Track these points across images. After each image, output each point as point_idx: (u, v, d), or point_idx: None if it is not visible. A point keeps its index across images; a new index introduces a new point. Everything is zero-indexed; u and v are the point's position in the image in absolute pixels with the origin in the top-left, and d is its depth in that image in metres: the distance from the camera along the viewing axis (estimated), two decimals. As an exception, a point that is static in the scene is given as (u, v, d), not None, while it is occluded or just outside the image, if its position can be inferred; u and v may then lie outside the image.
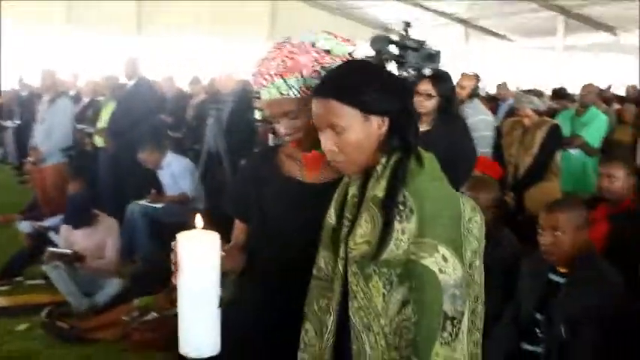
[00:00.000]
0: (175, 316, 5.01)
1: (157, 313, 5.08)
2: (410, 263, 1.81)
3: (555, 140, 5.42)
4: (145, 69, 8.19)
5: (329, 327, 1.96)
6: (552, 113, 6.48)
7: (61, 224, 6.45)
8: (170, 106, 10.53)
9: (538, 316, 3.31)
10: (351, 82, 1.86)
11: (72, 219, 6.14)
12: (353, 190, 1.97)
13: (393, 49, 4.96)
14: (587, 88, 6.89)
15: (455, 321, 1.81)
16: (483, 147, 5.57)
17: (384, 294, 1.84)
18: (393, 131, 1.90)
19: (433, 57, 5.20)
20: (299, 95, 2.10)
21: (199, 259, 1.89)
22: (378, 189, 1.86)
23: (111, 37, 17.51)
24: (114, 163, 7.87)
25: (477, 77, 6.55)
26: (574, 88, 12.00)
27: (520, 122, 5.57)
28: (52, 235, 6.58)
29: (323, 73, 2.10)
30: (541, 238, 3.33)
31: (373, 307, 1.85)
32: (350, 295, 1.89)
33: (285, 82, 2.09)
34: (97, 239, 6.12)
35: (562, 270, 3.32)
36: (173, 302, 5.07)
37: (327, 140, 1.90)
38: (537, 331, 3.28)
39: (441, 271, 1.79)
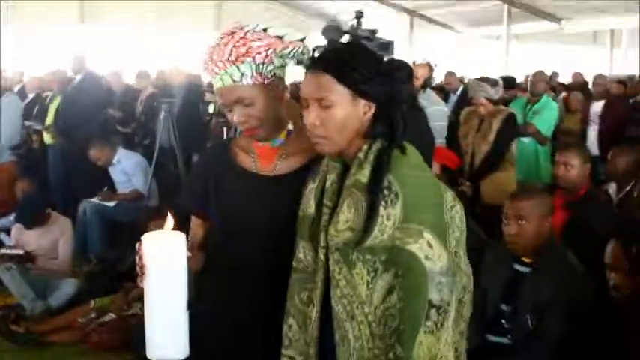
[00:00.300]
0: (133, 316, 4.95)
1: (114, 314, 4.99)
2: (395, 249, 1.80)
3: (511, 129, 5.45)
4: (91, 63, 8.05)
5: (312, 318, 1.94)
6: (503, 102, 6.48)
7: (11, 225, 6.31)
8: (118, 100, 10.35)
9: (503, 306, 3.32)
10: (347, 61, 1.86)
11: (25, 219, 5.99)
12: (332, 178, 1.95)
13: (345, 39, 4.97)
14: (538, 76, 6.92)
15: (440, 310, 1.80)
16: (438, 137, 5.60)
17: (368, 281, 1.83)
18: (378, 119, 1.90)
19: (386, 47, 5.22)
20: (252, 82, 2.08)
21: (166, 261, 1.85)
22: (361, 175, 1.86)
23: (54, 29, 17.15)
24: (64, 161, 7.73)
25: (430, 66, 6.55)
26: (520, 77, 12.18)
27: (476, 112, 5.59)
28: (2, 236, 6.42)
29: (275, 58, 2.11)
30: (505, 228, 3.35)
31: (357, 295, 1.84)
32: (332, 283, 1.88)
33: (238, 68, 2.06)
34: (50, 239, 6.00)
35: (526, 259, 3.34)
36: (130, 303, 5.04)
37: (311, 113, 1.88)
38: (503, 321, 3.29)
39: (426, 257, 1.79)
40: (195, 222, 2.36)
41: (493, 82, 5.49)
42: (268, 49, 2.10)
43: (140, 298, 4.97)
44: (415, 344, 1.77)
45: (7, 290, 5.63)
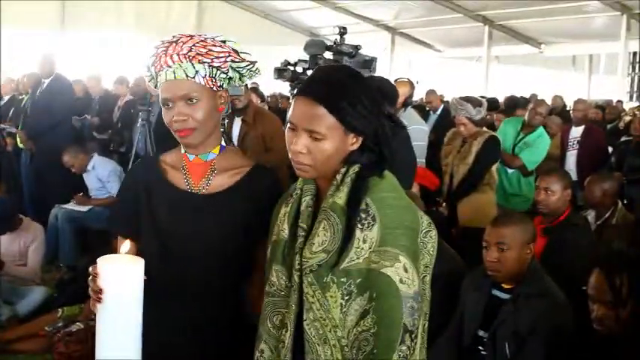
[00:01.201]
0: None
1: (82, 324, 4.88)
2: (371, 272, 1.78)
3: (491, 152, 5.41)
4: (67, 68, 7.94)
5: (285, 343, 1.89)
6: (485, 124, 6.36)
7: (-19, 229, 6.17)
8: (96, 106, 10.25)
9: (481, 333, 3.27)
10: (344, 94, 1.82)
11: (-4, 226, 5.86)
12: (307, 201, 1.92)
13: (328, 55, 4.92)
14: (537, 104, 6.66)
15: (412, 335, 1.79)
16: (418, 156, 5.55)
17: (341, 304, 1.80)
18: (364, 149, 1.87)
19: (368, 63, 5.17)
20: (203, 83, 2.08)
21: (123, 287, 1.82)
22: (338, 197, 1.84)
23: (33, 33, 16.96)
24: (36, 165, 7.60)
25: (411, 84, 6.47)
26: (500, 98, 12.21)
27: (460, 132, 5.55)
28: (-29, 241, 6.28)
29: (232, 69, 2.14)
30: (486, 254, 3.29)
31: (330, 319, 1.81)
32: (305, 306, 1.85)
33: (193, 65, 2.07)
34: (21, 245, 5.91)
35: (506, 286, 3.29)
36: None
37: (298, 141, 1.84)
38: (480, 348, 3.24)
39: (401, 281, 1.77)
40: (121, 242, 2.24)
41: (476, 103, 5.44)
42: (228, 56, 2.12)
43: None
44: None
45: (-27, 296, 5.50)
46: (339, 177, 1.86)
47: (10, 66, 12.93)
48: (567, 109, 11.47)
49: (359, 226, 1.79)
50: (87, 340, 4.72)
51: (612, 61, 17.64)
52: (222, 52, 2.10)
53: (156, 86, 2.18)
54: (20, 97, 9.27)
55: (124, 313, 1.83)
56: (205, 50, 2.09)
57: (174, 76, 2.07)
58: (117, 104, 9.89)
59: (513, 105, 10.10)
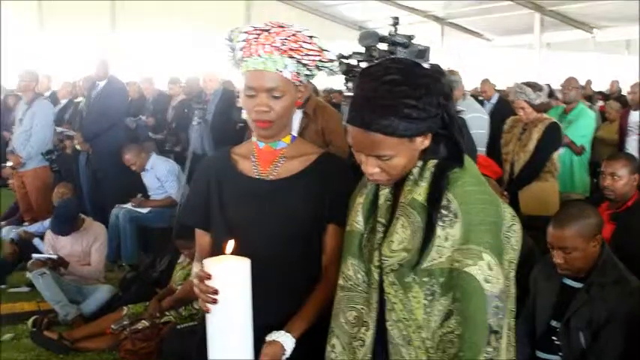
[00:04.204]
0: (165, 324, 4.90)
1: (147, 322, 4.92)
2: (454, 271, 1.72)
3: (553, 138, 5.30)
4: (121, 69, 8.01)
5: (366, 342, 1.85)
6: (544, 110, 6.31)
7: (45, 230, 6.28)
8: (151, 107, 10.37)
9: (554, 323, 3.19)
10: (393, 109, 1.71)
11: (59, 227, 5.95)
12: (385, 194, 1.87)
13: (382, 46, 4.87)
14: (568, 83, 6.67)
15: (498, 335, 1.72)
16: (478, 145, 5.49)
17: (425, 305, 1.75)
18: (436, 141, 1.81)
19: (423, 53, 5.11)
20: (289, 78, 2.09)
21: (235, 287, 1.86)
22: (417, 192, 1.78)
23: (84, 36, 17.20)
24: (93, 167, 7.71)
25: (457, 74, 6.44)
26: (553, 86, 12.01)
27: (521, 120, 5.46)
28: (36, 241, 6.40)
29: (316, 68, 2.14)
30: (553, 256, 3.17)
31: (413, 319, 1.76)
32: (387, 306, 1.80)
33: (284, 60, 2.07)
34: (84, 245, 5.98)
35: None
36: (163, 310, 4.98)
37: (368, 164, 1.79)
38: (554, 339, 3.16)
39: (486, 280, 1.71)
40: (199, 234, 2.32)
41: (537, 88, 5.34)
42: (317, 55, 2.12)
43: (173, 307, 4.96)
44: None
45: (40, 296, 5.60)
46: (415, 171, 1.80)
47: (67, 70, 13.17)
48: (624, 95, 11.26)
49: (440, 223, 1.73)
50: (153, 337, 4.78)
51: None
52: (312, 50, 2.11)
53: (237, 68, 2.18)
54: (77, 101, 9.42)
55: (238, 313, 1.86)
56: (297, 46, 2.09)
57: (264, 67, 2.07)
58: (170, 104, 9.99)
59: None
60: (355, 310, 1.89)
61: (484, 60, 20.07)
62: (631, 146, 7.55)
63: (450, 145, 1.81)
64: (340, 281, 1.94)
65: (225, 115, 7.73)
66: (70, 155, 8.40)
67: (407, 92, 1.71)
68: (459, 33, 20.84)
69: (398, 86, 1.71)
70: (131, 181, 7.30)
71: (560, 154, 6.01)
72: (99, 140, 7.46)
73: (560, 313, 3.15)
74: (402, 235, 1.76)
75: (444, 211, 1.73)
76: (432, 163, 1.80)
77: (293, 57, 2.09)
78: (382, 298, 1.82)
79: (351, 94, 4.86)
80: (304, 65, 2.12)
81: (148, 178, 7.21)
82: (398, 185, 1.85)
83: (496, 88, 10.32)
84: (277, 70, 2.07)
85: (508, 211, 1.85)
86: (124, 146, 7.17)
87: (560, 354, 3.14)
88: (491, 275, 1.71)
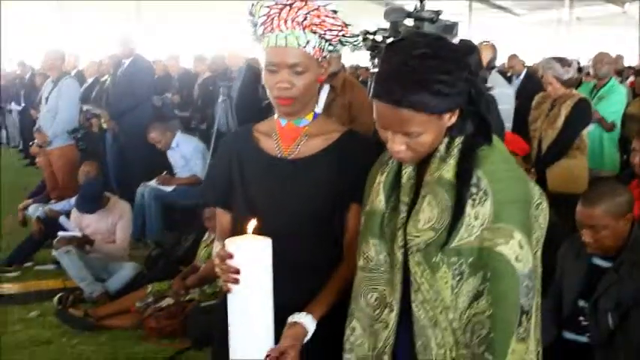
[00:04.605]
0: (190, 302, 4.91)
1: (172, 299, 4.93)
2: (484, 250, 1.67)
3: (582, 115, 5.19)
4: (146, 48, 8.01)
5: (390, 324, 1.81)
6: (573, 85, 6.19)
7: (71, 208, 6.31)
8: (176, 85, 10.38)
9: (581, 302, 3.13)
10: (422, 83, 1.64)
11: (84, 205, 5.99)
12: (409, 172, 1.82)
13: (408, 22, 4.79)
14: (600, 58, 6.50)
15: (528, 315, 1.69)
16: (505, 121, 5.39)
17: (452, 285, 1.70)
18: (464, 117, 1.74)
19: (450, 28, 5.01)
20: (312, 53, 2.05)
21: (257, 267, 1.84)
22: (445, 170, 1.72)
23: (110, 14, 17.23)
24: (119, 145, 7.73)
25: (493, 48, 6.33)
26: (583, 62, 11.83)
27: (549, 96, 5.35)
28: (62, 219, 6.43)
29: (340, 43, 2.10)
30: (582, 233, 3.10)
31: (440, 300, 1.71)
32: (413, 286, 1.75)
33: (306, 34, 2.03)
34: (109, 222, 6.02)
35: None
36: (188, 288, 4.98)
37: (395, 142, 1.73)
38: (581, 319, 3.11)
39: (517, 259, 1.67)
40: (220, 213, 2.30)
41: (566, 63, 5.23)
42: (340, 30, 2.08)
43: (197, 285, 4.96)
44: (508, 353, 1.65)
45: (66, 273, 5.64)
46: (442, 148, 1.75)
47: (92, 49, 13.22)
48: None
49: (470, 201, 1.68)
50: (177, 315, 4.79)
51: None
52: (335, 25, 2.06)
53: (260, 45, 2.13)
54: (103, 79, 9.45)
55: (259, 293, 1.85)
56: (320, 20, 2.04)
57: (286, 43, 2.02)
58: (196, 82, 9.98)
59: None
60: (377, 291, 1.85)
61: (513, 35, 19.81)
62: (663, 123, 7.40)
63: (477, 121, 1.75)
64: (360, 262, 1.90)
65: (250, 92, 7.69)
66: (97, 134, 8.42)
67: (437, 66, 1.64)
68: (487, 8, 20.59)
69: (428, 60, 1.65)
70: (157, 159, 7.29)
71: (589, 131, 5.91)
72: (125, 118, 7.48)
73: (589, 292, 3.09)
74: (430, 214, 1.71)
75: (473, 189, 1.68)
76: (459, 140, 1.75)
77: (315, 32, 2.05)
78: (406, 278, 1.77)
79: (377, 70, 4.82)
80: (327, 41, 2.08)
81: (173, 157, 7.20)
82: (421, 163, 1.80)
83: (525, 64, 10.18)
84: (299, 45, 2.02)
85: (536, 189, 1.80)
86: (149, 124, 7.16)
87: (587, 334, 3.09)
88: (522, 254, 1.67)
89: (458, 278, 1.69)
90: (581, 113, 5.20)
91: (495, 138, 1.78)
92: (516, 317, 1.66)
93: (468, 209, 1.68)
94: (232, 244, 1.85)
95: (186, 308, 4.82)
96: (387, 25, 4.70)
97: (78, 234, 5.91)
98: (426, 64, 1.64)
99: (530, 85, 7.96)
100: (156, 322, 4.79)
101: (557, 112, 5.20)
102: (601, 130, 6.05)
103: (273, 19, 2.04)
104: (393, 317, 1.81)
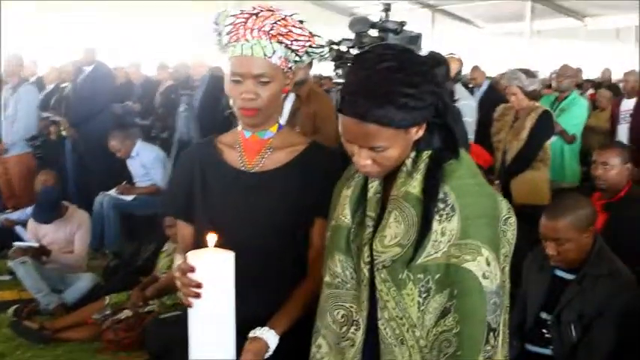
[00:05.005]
0: (149, 313, 4.83)
1: (130, 311, 4.84)
2: (451, 267, 1.64)
3: (546, 127, 5.23)
4: (107, 55, 7.94)
5: (356, 342, 1.77)
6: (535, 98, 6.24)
7: (28, 217, 6.19)
8: (138, 93, 10.25)
9: (544, 315, 3.13)
10: (388, 97, 1.59)
11: (41, 215, 5.88)
12: (375, 187, 1.78)
13: (373, 32, 4.79)
14: (563, 71, 6.56)
15: (496, 333, 1.66)
16: (468, 133, 5.41)
17: (419, 302, 1.67)
18: (430, 131, 1.71)
19: (414, 39, 5.02)
20: (278, 64, 2.02)
21: (218, 280, 1.80)
22: (412, 185, 1.69)
23: (74, 22, 17.01)
24: (79, 152, 7.62)
25: (460, 61, 6.36)
26: (543, 74, 11.94)
27: (512, 108, 5.39)
28: (18, 229, 6.30)
29: (306, 54, 2.08)
30: (545, 246, 3.11)
31: (407, 318, 1.68)
32: (379, 304, 1.71)
33: (272, 45, 2.00)
34: (67, 232, 5.91)
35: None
36: (146, 299, 4.89)
37: (361, 157, 1.68)
38: (544, 331, 3.11)
39: (484, 276, 1.64)
40: (181, 225, 2.26)
41: (530, 74, 5.27)
42: (307, 41, 2.05)
43: (156, 296, 4.87)
44: None
45: (21, 284, 5.51)
46: (408, 162, 1.71)
47: (53, 55, 13.00)
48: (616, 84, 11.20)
49: (437, 217, 1.64)
50: (135, 327, 4.70)
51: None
52: (302, 35, 2.04)
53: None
54: (63, 86, 9.30)
55: (221, 307, 1.80)
56: (286, 30, 2.01)
57: (252, 53, 1.99)
58: (158, 90, 9.87)
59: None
60: (343, 308, 1.81)
61: (475, 47, 19.97)
62: (621, 134, 7.49)
63: (444, 135, 1.72)
64: (327, 278, 1.86)
65: (213, 101, 7.64)
66: (55, 141, 8.27)
67: (403, 80, 1.60)
68: (449, 20, 20.75)
69: (394, 74, 1.61)
70: (117, 168, 7.19)
71: (551, 143, 5.95)
72: (85, 126, 7.40)
73: (551, 305, 3.10)
74: (396, 230, 1.68)
75: (440, 205, 1.65)
76: (425, 154, 1.72)
77: (282, 42, 2.02)
78: (373, 295, 1.74)
79: (341, 80, 4.81)
80: (293, 51, 2.05)
81: (133, 165, 7.10)
82: (388, 177, 1.76)
83: (486, 75, 10.24)
84: (265, 55, 1.99)
85: (504, 204, 1.77)
86: (109, 133, 7.06)
87: (550, 347, 3.08)
88: (490, 271, 1.65)
89: (424, 295, 1.66)
90: (545, 125, 5.24)
91: (462, 151, 1.75)
92: (483, 335, 1.64)
93: (435, 225, 1.65)
94: (194, 257, 1.81)
95: (145, 320, 4.73)
96: (351, 35, 4.71)
97: (34, 244, 5.78)
98: (391, 78, 1.60)
99: (492, 96, 7.99)
100: (114, 334, 4.69)
101: (522, 124, 5.23)
102: (562, 143, 6.10)
103: (239, 28, 2.01)
104: (359, 335, 1.77)
